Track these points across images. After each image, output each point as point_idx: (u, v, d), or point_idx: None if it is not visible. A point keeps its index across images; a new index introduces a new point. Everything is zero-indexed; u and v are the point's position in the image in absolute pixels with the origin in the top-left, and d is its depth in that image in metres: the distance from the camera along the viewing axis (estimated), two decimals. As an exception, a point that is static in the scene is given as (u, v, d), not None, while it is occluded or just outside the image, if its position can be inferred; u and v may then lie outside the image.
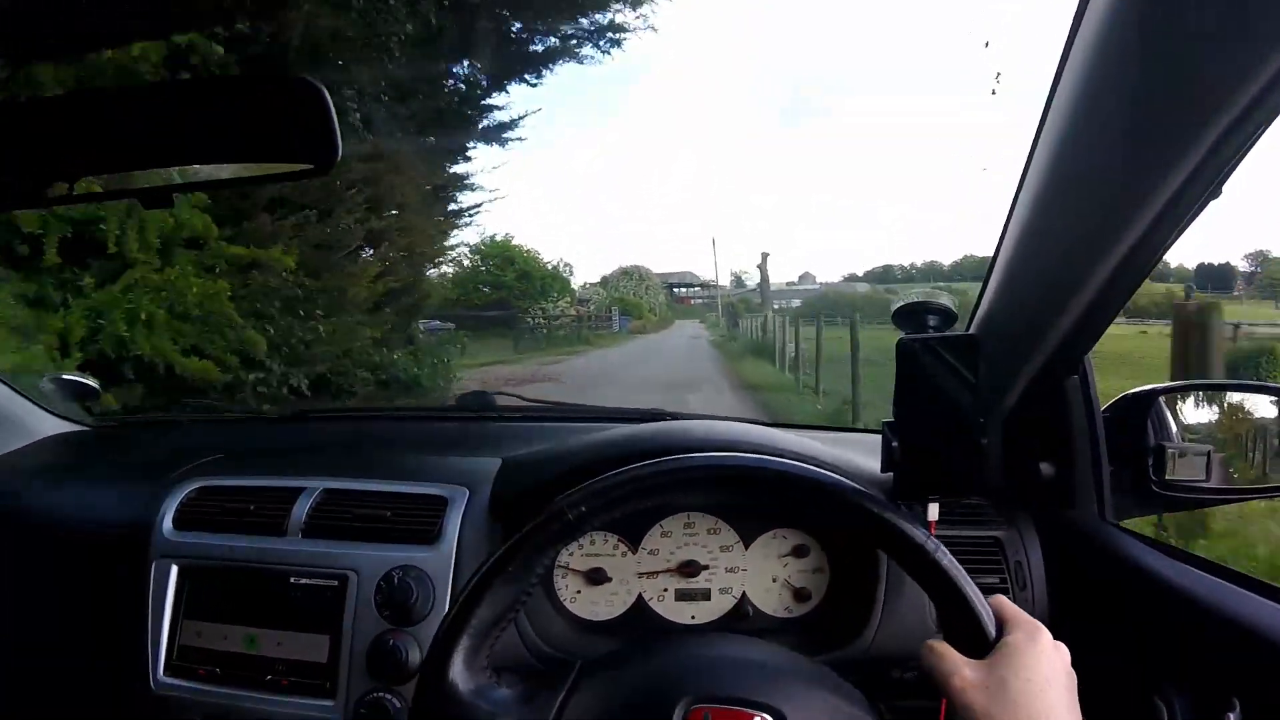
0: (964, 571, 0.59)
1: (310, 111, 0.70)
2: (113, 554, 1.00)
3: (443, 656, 0.58)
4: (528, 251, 28.09)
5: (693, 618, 0.91)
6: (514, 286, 26.14)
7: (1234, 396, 1.05)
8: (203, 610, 0.94)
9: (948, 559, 0.59)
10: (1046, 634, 0.59)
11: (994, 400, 0.94)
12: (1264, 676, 0.68)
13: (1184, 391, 1.01)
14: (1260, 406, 1.03)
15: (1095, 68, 0.64)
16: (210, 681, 0.92)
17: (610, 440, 0.89)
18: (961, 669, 0.58)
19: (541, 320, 24.40)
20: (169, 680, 0.93)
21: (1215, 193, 0.72)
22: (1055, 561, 0.93)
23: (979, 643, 0.58)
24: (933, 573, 0.60)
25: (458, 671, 0.58)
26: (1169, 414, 1.00)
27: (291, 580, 0.91)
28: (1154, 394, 0.98)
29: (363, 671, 0.86)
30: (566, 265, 32.45)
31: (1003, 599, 0.62)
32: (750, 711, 0.56)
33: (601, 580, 0.91)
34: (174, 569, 0.95)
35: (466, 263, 26.30)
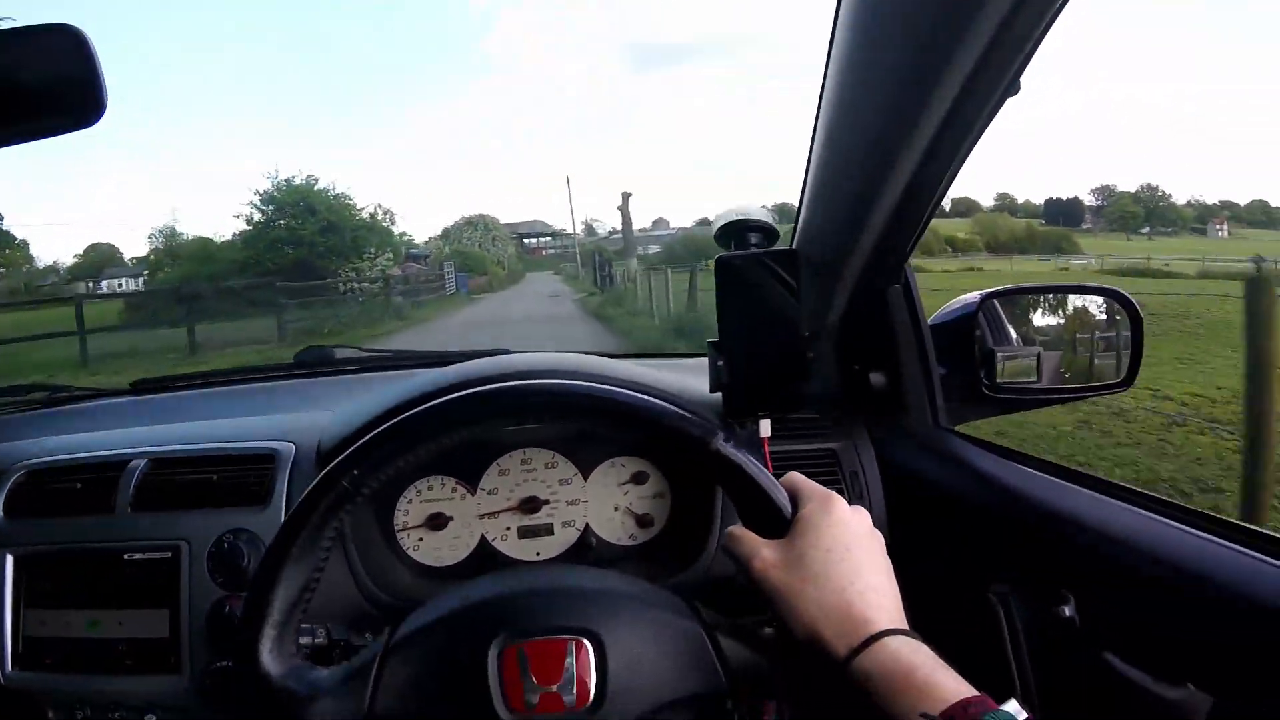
0: (749, 457, 0.59)
1: (72, 60, 0.66)
2: None
3: (249, 648, 0.57)
4: (335, 197, 22.01)
5: (538, 554, 0.91)
6: (318, 243, 20.70)
7: (1066, 299, 1.08)
8: (44, 598, 0.91)
9: (729, 447, 0.59)
10: (840, 500, 0.59)
11: (820, 314, 0.95)
12: (1094, 567, 0.70)
13: (1014, 295, 1.04)
14: (1089, 307, 1.06)
15: None
16: (57, 670, 0.89)
17: (429, 380, 0.88)
18: (760, 550, 0.58)
19: (355, 285, 18.81)
20: (16, 673, 0.90)
21: (1013, 88, 0.74)
22: (891, 469, 0.95)
23: (776, 523, 0.58)
24: (717, 463, 0.59)
25: (267, 659, 0.57)
26: (1004, 318, 1.03)
27: (125, 557, 0.89)
28: (984, 299, 1.00)
29: (204, 641, 0.85)
30: (386, 213, 25.13)
31: (796, 476, 0.62)
32: (563, 639, 0.56)
33: (442, 524, 0.90)
34: (9, 559, 0.92)
35: (258, 215, 21.42)
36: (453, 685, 0.56)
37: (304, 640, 0.69)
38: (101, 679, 0.88)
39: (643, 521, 0.93)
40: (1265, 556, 0.59)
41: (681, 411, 0.61)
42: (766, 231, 0.88)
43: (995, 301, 1.01)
